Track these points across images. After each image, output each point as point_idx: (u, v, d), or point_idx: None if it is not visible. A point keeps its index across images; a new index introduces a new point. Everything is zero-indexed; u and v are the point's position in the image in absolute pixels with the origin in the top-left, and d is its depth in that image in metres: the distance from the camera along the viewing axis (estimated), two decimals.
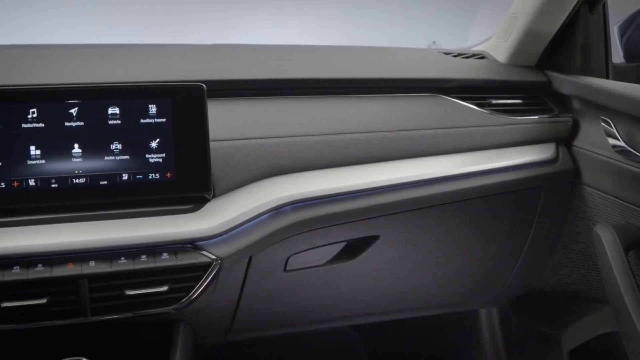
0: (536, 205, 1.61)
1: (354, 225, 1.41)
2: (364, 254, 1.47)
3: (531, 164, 1.56)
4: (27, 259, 1.17)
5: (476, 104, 1.58)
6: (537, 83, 1.67)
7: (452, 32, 2.24)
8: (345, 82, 1.53)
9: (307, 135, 1.41)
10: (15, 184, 1.21)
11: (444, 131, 1.49)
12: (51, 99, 1.22)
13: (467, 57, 1.76)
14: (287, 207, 1.32)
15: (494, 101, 1.60)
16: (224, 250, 1.26)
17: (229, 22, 2.08)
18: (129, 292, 1.20)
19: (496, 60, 1.76)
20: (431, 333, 2.09)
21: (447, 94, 1.60)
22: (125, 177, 1.26)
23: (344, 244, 1.45)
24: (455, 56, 1.76)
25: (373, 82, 1.55)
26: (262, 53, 1.56)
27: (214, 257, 1.24)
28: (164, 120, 1.27)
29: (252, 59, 1.52)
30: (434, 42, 1.96)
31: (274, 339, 2.05)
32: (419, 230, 1.50)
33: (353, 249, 1.47)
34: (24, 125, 1.21)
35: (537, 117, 1.60)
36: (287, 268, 1.41)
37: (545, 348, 1.81)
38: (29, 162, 1.22)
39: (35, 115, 1.21)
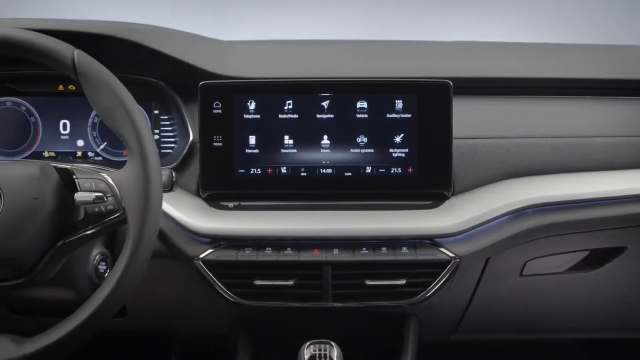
0: None
1: (600, 234, 1.33)
2: (608, 265, 1.38)
3: None
4: (278, 242, 1.24)
5: None
6: None
7: None
8: (594, 83, 1.44)
9: (553, 137, 1.35)
10: (269, 170, 1.30)
11: None
12: (306, 91, 1.29)
13: None
14: (529, 210, 1.27)
15: None
16: (463, 249, 1.25)
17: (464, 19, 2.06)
18: (369, 282, 1.23)
19: None
20: None
21: None
22: (368, 170, 1.30)
23: (586, 252, 1.37)
24: None
25: (628, 83, 1.44)
26: (507, 50, 1.52)
27: (452, 255, 1.24)
28: (409, 115, 1.29)
29: (497, 56, 1.48)
30: None
31: (490, 342, 2.00)
32: None
33: (596, 258, 1.38)
34: (280, 116, 1.29)
35: None
36: (524, 272, 1.36)
37: None
38: (283, 150, 1.29)
39: (290, 106, 1.29)
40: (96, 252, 1.21)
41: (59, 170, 1.08)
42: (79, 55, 1.03)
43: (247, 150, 1.29)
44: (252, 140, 1.29)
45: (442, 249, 1.24)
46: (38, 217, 1.01)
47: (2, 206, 1.01)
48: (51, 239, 1.04)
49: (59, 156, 1.43)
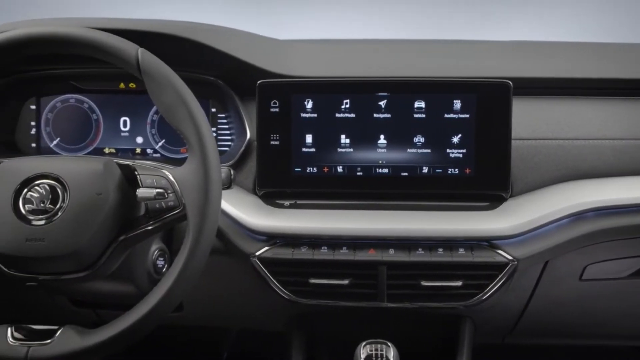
0: None
1: None
2: None
3: None
4: (333, 241, 1.24)
5: None
6: None
7: None
8: None
9: (615, 139, 1.32)
10: (325, 169, 1.30)
11: None
12: (363, 91, 1.29)
13: None
14: (590, 213, 1.25)
15: None
16: (521, 252, 1.23)
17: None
18: (424, 283, 1.22)
19: None
20: None
21: None
22: (425, 170, 1.29)
23: None
24: None
25: None
26: (567, 50, 1.49)
27: (510, 257, 1.22)
28: (467, 116, 1.27)
29: (557, 56, 1.45)
30: None
31: (544, 347, 1.96)
32: None
33: None
34: (337, 115, 1.29)
35: None
36: (583, 277, 1.33)
37: None
38: (339, 150, 1.30)
39: (348, 106, 1.29)
40: (155, 248, 1.24)
41: (121, 166, 1.10)
42: (142, 54, 1.04)
43: (304, 149, 1.30)
44: (309, 139, 1.30)
45: (500, 251, 1.22)
46: (101, 212, 1.03)
47: (67, 201, 1.03)
48: (113, 234, 1.06)
49: (119, 153, 1.47)
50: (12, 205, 1.03)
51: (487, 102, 1.26)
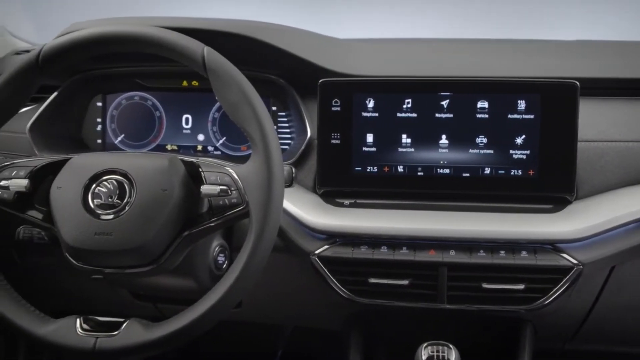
0: None
1: None
2: None
3: None
4: (394, 241, 1.24)
5: None
6: None
7: None
8: None
9: None
10: (386, 169, 1.30)
11: None
12: (425, 90, 1.28)
13: None
14: None
15: None
16: (586, 256, 1.20)
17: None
18: (486, 286, 1.21)
19: None
20: None
21: None
22: (487, 171, 1.27)
23: None
24: None
25: None
26: (635, 49, 1.44)
27: (575, 261, 1.19)
28: (531, 116, 1.25)
29: (625, 55, 1.41)
30: None
31: (606, 354, 1.91)
32: None
33: None
34: (398, 115, 1.29)
35: None
36: None
37: None
38: (400, 149, 1.29)
39: (409, 105, 1.28)
40: (216, 244, 1.25)
41: (185, 163, 1.11)
42: (208, 53, 1.06)
43: (365, 148, 1.30)
44: (370, 138, 1.30)
45: (564, 255, 1.20)
46: (166, 208, 1.05)
47: (134, 196, 1.05)
48: (178, 229, 1.07)
49: (181, 150, 1.49)
50: (82, 200, 1.06)
51: (552, 103, 1.24)
